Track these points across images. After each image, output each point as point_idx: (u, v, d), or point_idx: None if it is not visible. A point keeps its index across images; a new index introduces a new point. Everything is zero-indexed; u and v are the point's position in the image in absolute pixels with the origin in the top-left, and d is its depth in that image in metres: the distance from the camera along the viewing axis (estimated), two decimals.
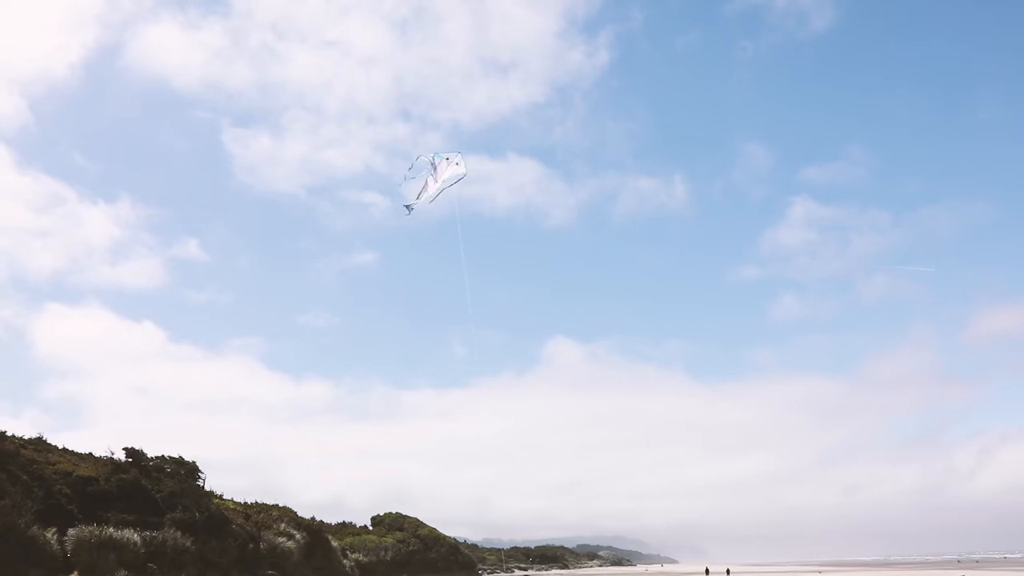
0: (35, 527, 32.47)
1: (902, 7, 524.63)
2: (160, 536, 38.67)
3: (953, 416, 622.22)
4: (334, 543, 64.01)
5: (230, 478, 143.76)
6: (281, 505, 64.14)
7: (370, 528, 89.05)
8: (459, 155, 26.02)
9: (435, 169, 26.03)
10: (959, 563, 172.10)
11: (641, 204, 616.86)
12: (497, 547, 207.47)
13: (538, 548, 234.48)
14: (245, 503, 60.16)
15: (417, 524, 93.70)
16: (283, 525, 54.87)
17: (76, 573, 33.52)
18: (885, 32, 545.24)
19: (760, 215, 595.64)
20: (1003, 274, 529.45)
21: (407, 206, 26.40)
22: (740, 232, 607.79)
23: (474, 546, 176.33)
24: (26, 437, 44.66)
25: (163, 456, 47.97)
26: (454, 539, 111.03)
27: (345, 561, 64.37)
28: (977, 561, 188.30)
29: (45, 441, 46.04)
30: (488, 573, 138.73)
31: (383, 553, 76.49)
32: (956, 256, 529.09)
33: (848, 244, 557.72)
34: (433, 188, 25.91)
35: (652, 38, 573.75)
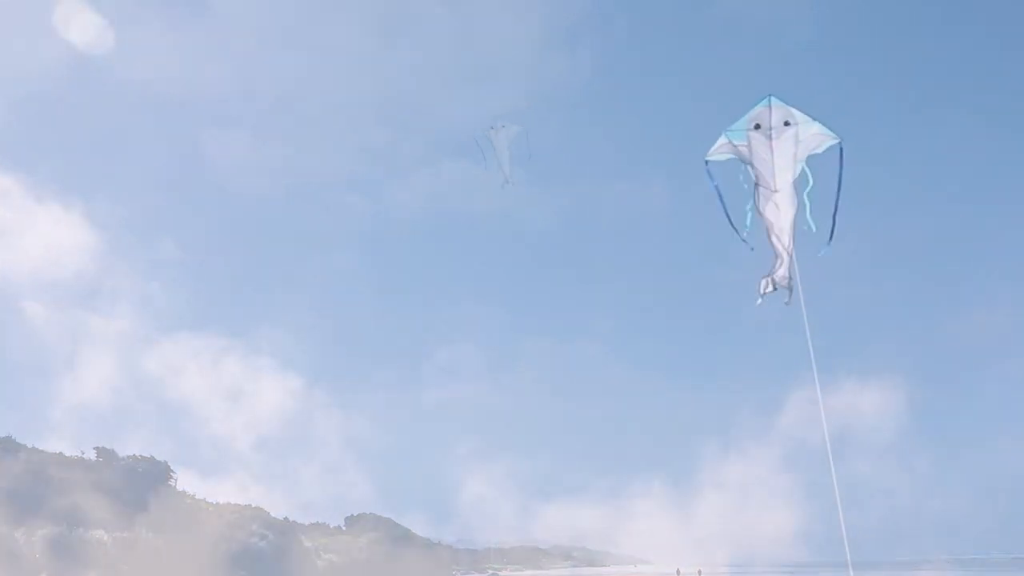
0: (4, 527, 32.24)
1: (882, 16, 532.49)
2: (131, 536, 38.50)
3: (920, 419, 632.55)
4: (307, 544, 63.91)
5: (203, 478, 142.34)
6: (254, 506, 63.82)
7: (344, 529, 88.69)
8: (499, 121, 28.29)
9: (492, 144, 27.12)
10: (914, 565, 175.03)
11: (621, 208, 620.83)
12: (471, 548, 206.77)
13: (512, 549, 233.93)
14: (218, 503, 59.88)
15: (391, 525, 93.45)
16: (255, 526, 54.76)
17: (46, 573, 33.31)
18: (866, 41, 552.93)
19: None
20: (969, 280, 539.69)
21: (505, 183, 28.57)
22: (719, 236, 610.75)
23: (448, 547, 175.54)
24: None
25: (135, 456, 47.75)
26: (428, 540, 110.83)
27: (319, 561, 64.27)
28: (932, 563, 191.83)
29: (15, 441, 45.64)
30: (463, 574, 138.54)
31: (357, 554, 76.27)
32: (924, 263, 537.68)
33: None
34: (504, 157, 27.38)
35: (634, 45, 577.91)
